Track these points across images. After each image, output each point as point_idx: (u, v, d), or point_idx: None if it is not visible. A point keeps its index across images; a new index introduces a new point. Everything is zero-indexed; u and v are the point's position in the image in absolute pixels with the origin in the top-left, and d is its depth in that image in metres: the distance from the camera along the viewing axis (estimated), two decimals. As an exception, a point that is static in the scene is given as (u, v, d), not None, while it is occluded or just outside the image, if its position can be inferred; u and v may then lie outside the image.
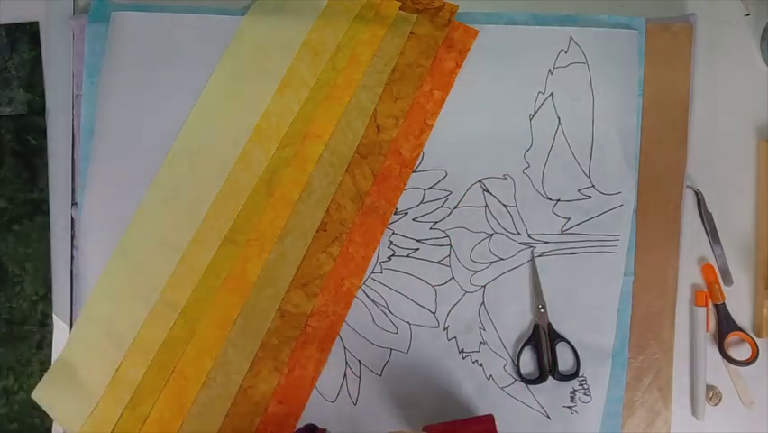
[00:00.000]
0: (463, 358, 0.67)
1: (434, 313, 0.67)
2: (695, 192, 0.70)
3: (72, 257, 0.68)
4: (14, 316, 0.68)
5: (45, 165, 0.69)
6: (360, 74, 0.67)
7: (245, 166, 0.66)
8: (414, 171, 0.68)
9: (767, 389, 0.68)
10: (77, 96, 0.68)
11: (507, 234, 0.68)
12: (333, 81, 0.67)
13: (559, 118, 0.68)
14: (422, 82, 0.68)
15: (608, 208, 0.68)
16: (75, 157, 0.68)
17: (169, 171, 0.66)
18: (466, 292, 0.67)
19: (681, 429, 0.68)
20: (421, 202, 0.68)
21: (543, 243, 0.68)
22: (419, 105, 0.68)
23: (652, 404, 0.68)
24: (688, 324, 0.69)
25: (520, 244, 0.68)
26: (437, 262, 0.67)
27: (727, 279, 0.69)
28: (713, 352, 0.69)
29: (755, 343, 0.68)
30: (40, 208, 0.69)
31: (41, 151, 0.69)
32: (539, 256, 0.67)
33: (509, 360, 0.67)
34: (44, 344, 0.68)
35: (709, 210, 0.69)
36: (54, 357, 0.68)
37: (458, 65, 0.68)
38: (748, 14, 0.71)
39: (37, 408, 0.66)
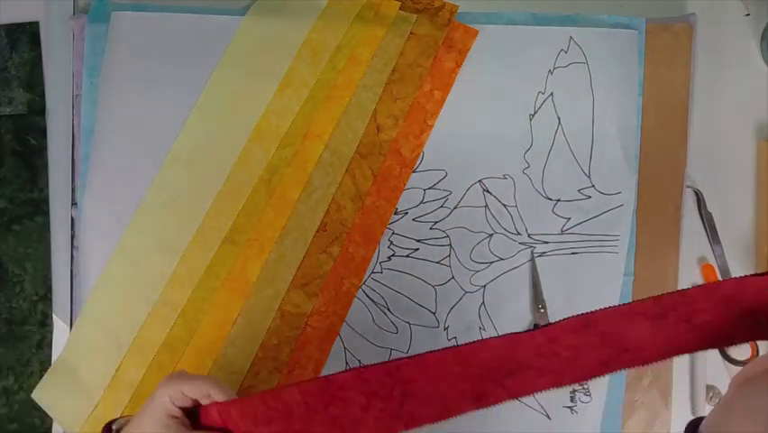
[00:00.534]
0: (463, 358, 0.67)
1: (434, 313, 0.67)
2: (695, 192, 0.70)
3: (72, 257, 0.68)
4: (14, 316, 0.68)
5: (45, 165, 0.69)
6: (360, 74, 0.67)
7: (245, 166, 0.66)
8: (414, 171, 0.68)
9: (767, 389, 0.68)
10: (77, 96, 0.68)
11: (507, 234, 0.68)
12: (333, 81, 0.67)
13: (559, 118, 0.68)
14: (422, 82, 0.68)
15: (608, 208, 0.68)
16: (75, 157, 0.68)
17: (169, 171, 0.66)
18: (466, 292, 0.67)
19: (681, 430, 0.68)
20: (421, 202, 0.68)
21: (543, 243, 0.68)
22: (419, 105, 0.68)
23: (652, 404, 0.68)
24: (688, 324, 0.69)
25: (520, 244, 0.68)
26: (437, 262, 0.67)
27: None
28: (713, 352, 0.68)
29: (755, 343, 0.68)
30: (40, 208, 0.69)
31: (41, 151, 0.69)
32: (539, 256, 0.68)
33: (509, 360, 0.67)
34: (44, 344, 0.68)
35: (709, 210, 0.69)
36: (54, 357, 0.68)
37: (458, 65, 0.68)
38: (748, 14, 0.71)
39: (37, 408, 0.66)
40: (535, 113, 0.68)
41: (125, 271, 0.65)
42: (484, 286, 0.67)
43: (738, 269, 0.69)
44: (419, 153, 0.68)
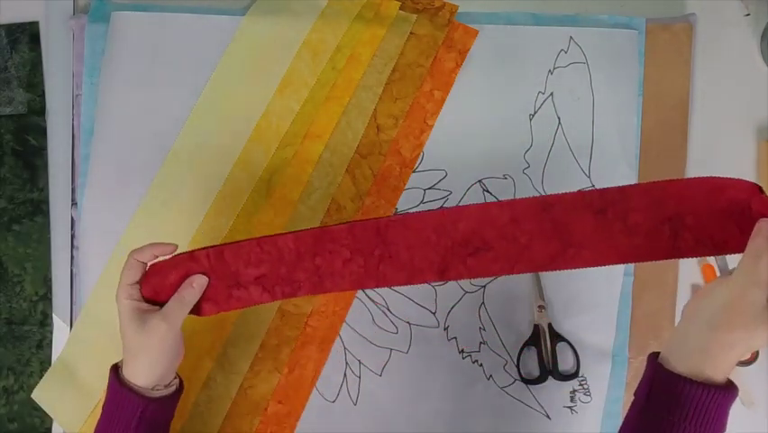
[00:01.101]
0: (463, 358, 0.67)
1: (434, 313, 0.67)
2: (695, 192, 0.70)
3: (72, 257, 0.68)
4: (14, 316, 0.68)
5: (45, 165, 0.69)
6: (360, 74, 0.68)
7: (245, 166, 0.66)
8: (414, 171, 0.68)
9: (767, 389, 0.68)
10: (77, 96, 0.68)
11: (507, 234, 0.68)
12: (333, 81, 0.67)
13: (559, 118, 0.68)
14: (422, 82, 0.68)
15: (607, 208, 0.68)
16: (75, 157, 0.68)
17: (169, 171, 0.66)
18: (466, 292, 0.67)
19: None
20: (421, 202, 0.68)
21: (543, 243, 0.68)
22: (419, 105, 0.68)
23: (652, 404, 0.68)
24: (688, 324, 0.69)
25: (520, 244, 0.68)
26: (437, 262, 0.67)
27: (727, 279, 0.69)
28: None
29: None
30: (40, 208, 0.69)
31: (40, 151, 0.69)
32: (539, 256, 0.67)
33: (509, 360, 0.67)
34: (44, 344, 0.68)
35: (709, 210, 0.69)
36: (54, 357, 0.68)
37: (458, 65, 0.68)
38: (748, 14, 0.71)
39: (37, 408, 0.66)
40: (535, 113, 0.68)
41: (125, 271, 0.65)
42: (484, 286, 0.67)
43: (738, 269, 0.69)
44: (419, 153, 0.68)
